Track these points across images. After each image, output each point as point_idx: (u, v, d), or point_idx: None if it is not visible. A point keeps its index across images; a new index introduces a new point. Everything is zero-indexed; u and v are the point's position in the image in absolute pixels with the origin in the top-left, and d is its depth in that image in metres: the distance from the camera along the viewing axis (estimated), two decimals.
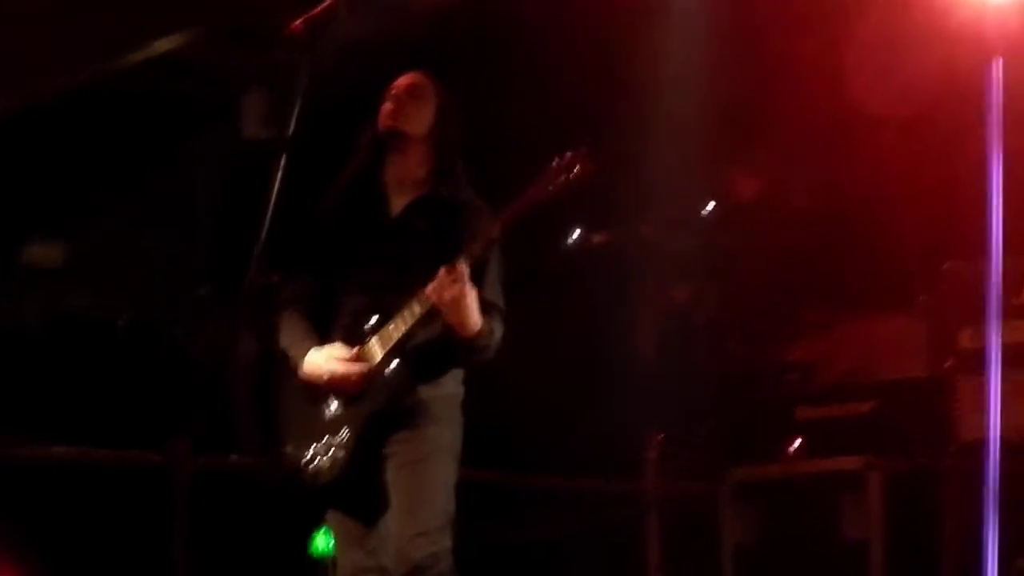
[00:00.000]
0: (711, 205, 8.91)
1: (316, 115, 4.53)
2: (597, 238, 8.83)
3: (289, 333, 5.00)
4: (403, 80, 5.07)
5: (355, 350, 4.83)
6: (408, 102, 5.02)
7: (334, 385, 4.83)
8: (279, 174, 4.37)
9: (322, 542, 5.71)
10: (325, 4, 4.41)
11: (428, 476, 4.82)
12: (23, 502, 7.44)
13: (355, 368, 4.80)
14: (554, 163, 4.69)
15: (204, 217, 8.58)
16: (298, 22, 4.38)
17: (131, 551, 7.57)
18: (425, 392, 4.85)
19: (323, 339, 4.94)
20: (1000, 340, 4.86)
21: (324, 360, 4.85)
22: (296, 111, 4.36)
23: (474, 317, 4.69)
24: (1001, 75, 4.77)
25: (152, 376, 8.07)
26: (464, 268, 4.62)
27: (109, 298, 8.65)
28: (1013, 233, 4.94)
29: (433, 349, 4.82)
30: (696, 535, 8.18)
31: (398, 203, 5.04)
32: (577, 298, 8.95)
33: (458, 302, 4.64)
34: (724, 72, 8.18)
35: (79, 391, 8.08)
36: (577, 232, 8.75)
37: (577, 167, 4.67)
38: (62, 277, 8.71)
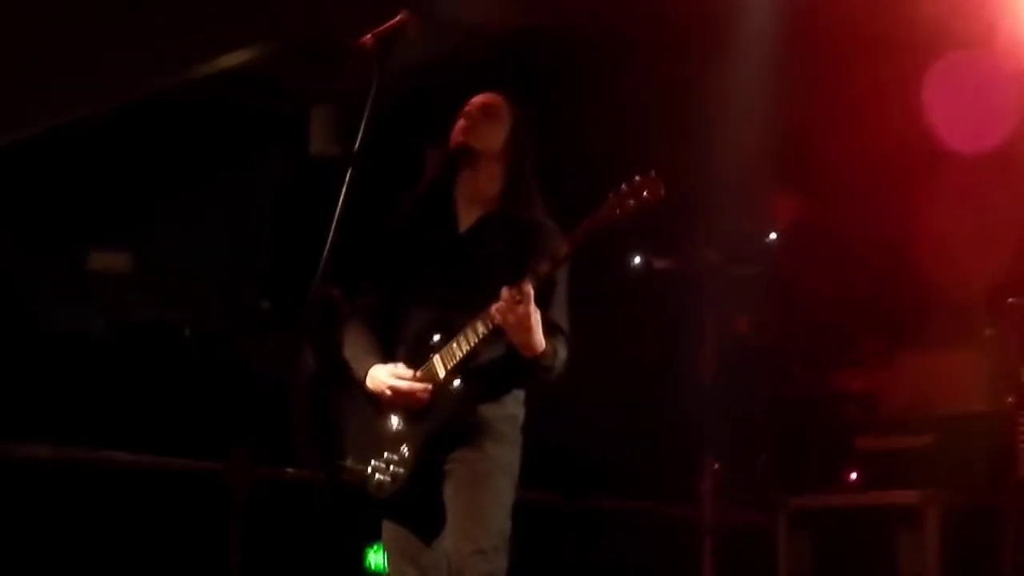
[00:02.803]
0: (774, 234, 8.89)
1: (385, 131, 4.56)
2: (660, 263, 8.82)
3: (352, 346, 5.01)
4: (478, 99, 5.08)
5: (419, 368, 4.84)
6: (481, 120, 5.03)
7: (396, 401, 4.84)
8: (346, 189, 4.39)
9: (374, 559, 5.73)
10: (395, 20, 4.43)
11: (486, 495, 4.81)
12: (84, 507, 7.49)
13: (418, 386, 4.81)
14: (623, 187, 4.69)
15: (269, 230, 8.63)
16: (368, 37, 4.40)
17: (188, 559, 7.61)
18: (486, 411, 4.85)
19: (387, 353, 4.96)
20: None
21: (386, 376, 4.86)
22: (364, 127, 4.38)
23: (538, 338, 4.69)
24: None
25: (214, 386, 8.11)
26: (530, 289, 4.62)
27: (173, 308, 8.71)
28: None
29: (496, 369, 4.81)
30: (751, 563, 8.15)
31: (467, 220, 5.05)
32: (639, 323, 8.95)
33: (523, 323, 4.63)
34: (794, 100, 8.17)
35: (142, 399, 8.13)
36: (640, 257, 8.74)
37: (646, 192, 4.66)
38: (127, 285, 8.78)
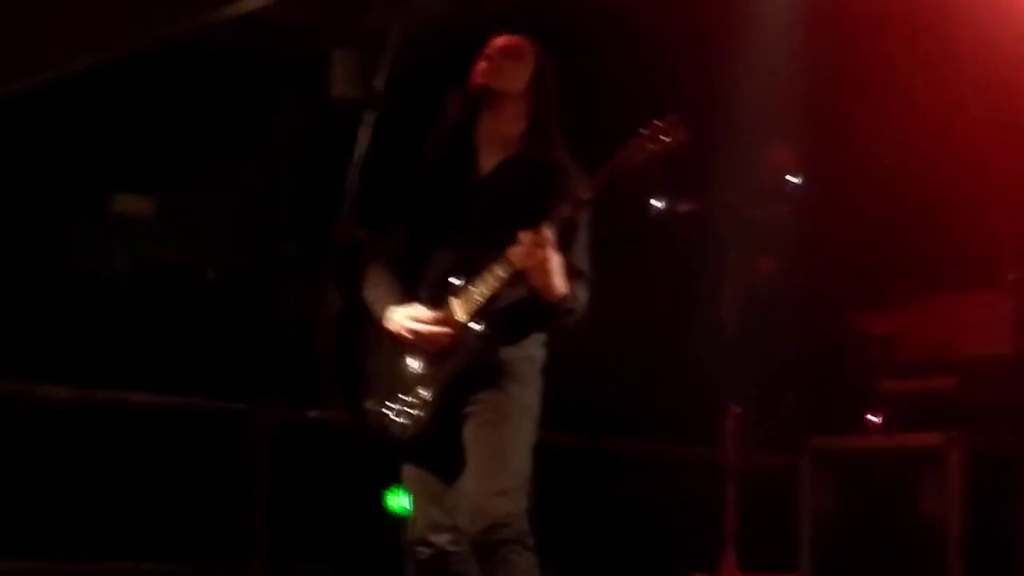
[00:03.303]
0: (799, 177, 8.86)
1: (406, 74, 4.55)
2: (684, 206, 8.80)
3: (374, 287, 5.02)
4: (500, 40, 5.06)
5: (439, 310, 4.85)
6: (503, 62, 5.01)
7: (418, 343, 4.86)
8: (367, 132, 4.40)
9: (394, 501, 5.75)
10: None
11: (509, 435, 4.82)
12: (107, 449, 7.54)
13: (437, 330, 4.82)
14: (644, 131, 4.68)
15: (291, 174, 8.63)
16: None
17: (211, 500, 7.66)
18: (507, 353, 4.85)
19: (409, 294, 4.96)
20: None
21: (407, 318, 4.87)
22: (386, 70, 4.38)
23: (558, 282, 4.69)
24: None
25: (239, 329, 8.15)
26: (548, 233, 4.62)
27: (198, 251, 8.73)
28: None
29: (517, 312, 4.81)
30: (774, 505, 8.18)
31: (489, 161, 5.04)
32: (662, 266, 8.95)
33: (542, 267, 4.64)
34: (821, 42, 8.13)
35: (167, 341, 8.17)
36: (662, 200, 8.72)
37: (667, 135, 4.66)
38: (152, 229, 8.80)
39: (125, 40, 7.51)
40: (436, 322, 4.83)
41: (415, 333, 4.84)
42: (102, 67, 7.51)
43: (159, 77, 8.23)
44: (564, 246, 4.73)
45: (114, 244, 8.61)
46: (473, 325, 4.80)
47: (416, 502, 4.95)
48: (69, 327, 7.84)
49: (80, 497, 7.35)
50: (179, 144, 8.44)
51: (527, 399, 4.90)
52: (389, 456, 5.00)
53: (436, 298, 4.89)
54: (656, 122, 4.69)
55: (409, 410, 4.84)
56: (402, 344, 4.88)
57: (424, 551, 4.91)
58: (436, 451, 4.89)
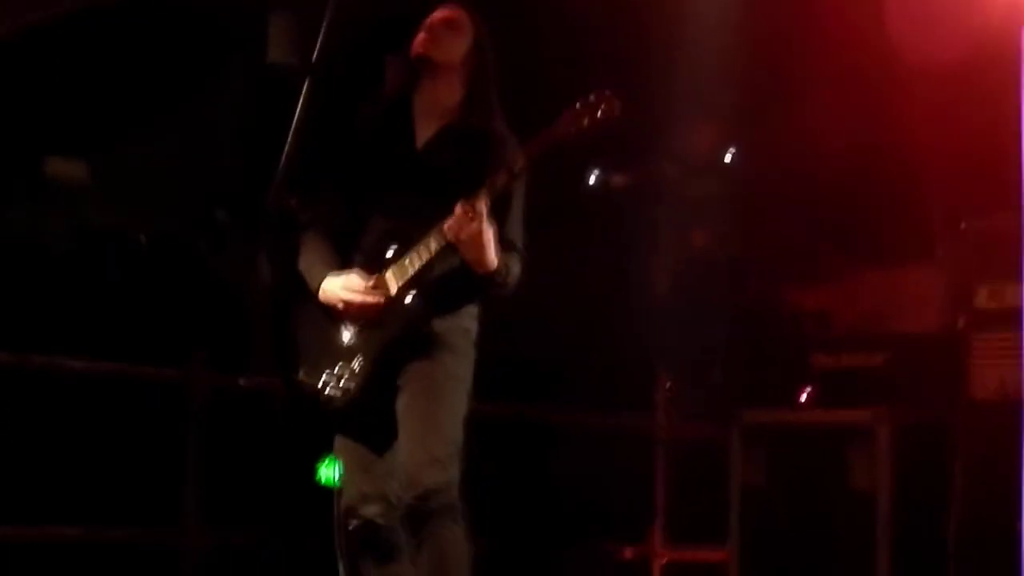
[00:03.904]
0: (732, 149, 8.91)
1: (344, 41, 4.53)
2: (618, 179, 8.83)
3: (308, 255, 5.02)
4: (439, 12, 5.07)
5: (371, 279, 4.85)
6: (443, 32, 5.03)
7: (349, 313, 4.86)
8: (304, 98, 4.38)
9: (325, 472, 5.74)
10: None
11: (441, 405, 4.84)
12: (39, 414, 7.49)
13: (370, 298, 4.82)
14: (579, 103, 4.70)
15: (227, 138, 8.58)
16: None
17: (143, 467, 7.63)
18: (440, 324, 4.87)
19: (343, 264, 4.96)
20: None
21: (340, 288, 4.87)
22: (324, 36, 4.36)
23: (491, 255, 4.70)
24: None
25: (171, 295, 8.10)
26: (482, 205, 4.63)
27: (131, 215, 8.67)
28: None
29: (450, 282, 4.83)
30: (704, 476, 8.22)
31: (426, 131, 5.04)
32: (595, 238, 8.96)
33: (475, 239, 4.65)
34: (755, 15, 8.15)
35: (100, 306, 8.11)
36: (598, 172, 8.75)
37: (602, 107, 4.68)
38: (85, 193, 8.73)
39: (60, 2, 7.46)
40: (369, 292, 4.83)
41: (348, 303, 4.84)
42: (35, 27, 7.44)
43: (93, 38, 8.16)
44: (498, 217, 4.75)
45: (46, 208, 8.54)
46: (405, 296, 4.81)
47: (347, 472, 4.95)
48: (2, 292, 7.78)
49: (12, 462, 7.30)
50: (113, 107, 8.37)
51: (460, 370, 4.92)
52: (321, 426, 4.99)
53: (370, 267, 4.90)
54: (591, 94, 4.70)
55: (341, 380, 4.84)
56: (335, 314, 4.88)
57: (353, 521, 4.91)
58: (368, 422, 4.90)
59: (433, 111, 5.05)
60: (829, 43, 7.97)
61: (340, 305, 4.86)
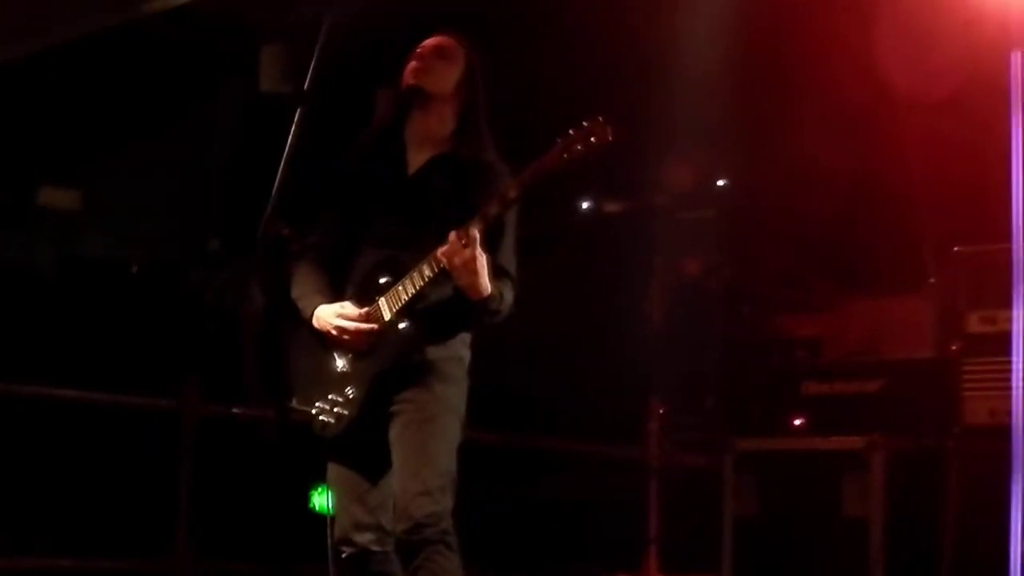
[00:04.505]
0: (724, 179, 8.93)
1: (336, 71, 4.54)
2: (610, 207, 8.84)
3: (301, 284, 5.01)
4: (431, 40, 5.07)
5: (364, 309, 4.85)
6: (434, 61, 5.02)
7: (342, 341, 4.86)
8: (296, 128, 4.39)
9: (319, 500, 5.75)
10: None
11: (433, 435, 4.83)
12: (29, 443, 7.48)
13: (364, 326, 4.82)
14: (571, 131, 4.70)
15: (219, 168, 8.60)
16: None
17: (137, 495, 7.62)
18: (433, 352, 4.86)
19: (335, 292, 4.96)
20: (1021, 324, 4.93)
21: (333, 316, 4.87)
22: (315, 66, 4.37)
23: (484, 282, 4.69)
24: (1022, 67, 4.79)
25: (162, 323, 8.10)
26: (476, 233, 4.63)
27: (123, 244, 8.68)
28: None
29: (443, 310, 4.82)
30: (697, 505, 8.21)
31: (417, 160, 5.04)
32: (588, 266, 8.98)
33: (469, 266, 4.64)
34: (747, 45, 8.18)
35: (91, 335, 8.11)
36: (590, 200, 8.76)
37: (594, 136, 4.67)
38: (77, 221, 8.74)
39: (53, 32, 7.47)
40: (363, 320, 4.83)
41: (342, 331, 4.84)
42: (30, 58, 7.46)
43: (87, 70, 8.19)
44: (491, 246, 4.74)
45: (38, 236, 8.55)
46: (399, 324, 4.81)
47: (339, 501, 4.94)
48: None
49: (3, 493, 7.29)
50: (105, 137, 8.39)
51: (453, 399, 4.91)
52: (314, 454, 4.98)
53: (363, 296, 4.90)
54: (584, 123, 4.70)
55: (335, 408, 4.83)
56: (328, 341, 4.88)
57: (347, 550, 4.91)
58: (361, 450, 4.89)
59: (425, 140, 5.05)
60: (820, 72, 8.00)
61: (333, 333, 4.86)
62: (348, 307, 4.87)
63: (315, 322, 4.91)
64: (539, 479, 8.86)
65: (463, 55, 5.07)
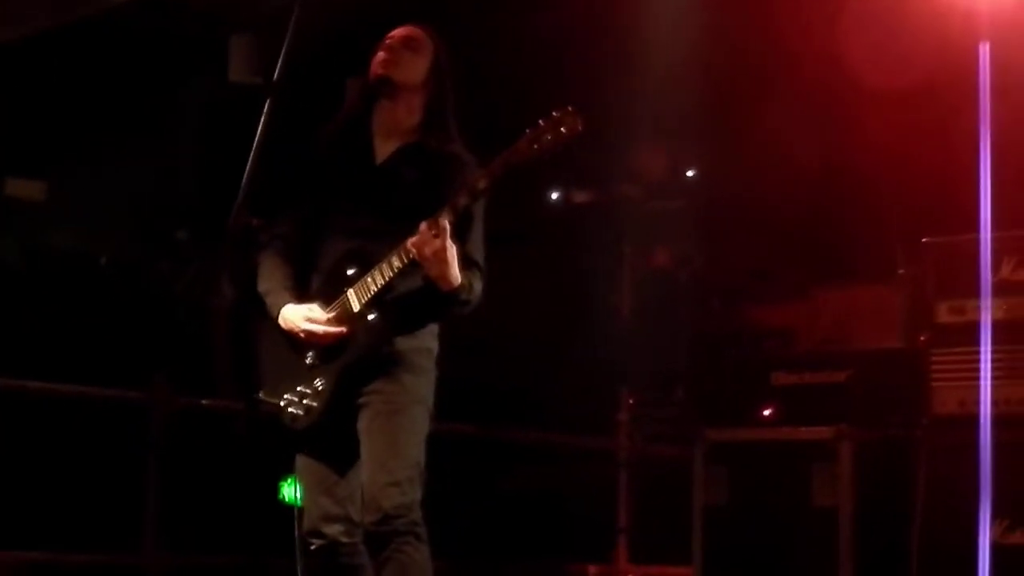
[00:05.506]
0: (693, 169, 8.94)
1: (304, 61, 4.53)
2: (580, 197, 8.84)
3: (268, 279, 5.00)
4: (399, 31, 5.06)
5: (332, 313, 4.83)
6: (402, 52, 5.01)
7: (310, 344, 4.85)
8: (265, 119, 4.37)
9: (288, 491, 5.73)
10: None
11: (402, 426, 4.83)
12: None
13: (332, 330, 4.81)
14: (541, 122, 4.69)
15: (187, 160, 8.57)
16: None
17: (106, 488, 7.59)
18: (401, 344, 4.86)
19: (302, 284, 4.95)
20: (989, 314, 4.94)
21: (301, 320, 4.86)
22: (284, 56, 4.36)
23: (454, 272, 4.69)
24: (990, 58, 4.80)
25: (133, 315, 8.08)
26: (446, 223, 4.62)
27: (91, 236, 8.65)
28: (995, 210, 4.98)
29: (412, 301, 4.82)
30: (667, 496, 8.22)
31: (384, 150, 5.04)
32: (557, 256, 8.98)
33: (439, 256, 4.63)
34: (718, 37, 8.19)
35: (59, 328, 8.08)
36: (559, 191, 8.76)
37: (563, 127, 4.66)
38: (44, 213, 8.70)
39: (22, 23, 7.44)
40: (331, 322, 4.82)
41: (310, 334, 4.83)
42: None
43: (54, 60, 8.15)
44: (460, 236, 4.74)
45: (4, 228, 8.51)
46: (367, 315, 4.80)
47: (308, 492, 4.93)
48: None
49: None
50: (72, 128, 8.35)
51: (422, 390, 4.92)
52: (283, 446, 4.97)
53: (330, 287, 4.89)
54: (554, 113, 4.69)
55: (303, 400, 4.83)
56: (297, 341, 4.87)
57: (316, 541, 4.90)
58: (329, 441, 4.89)
59: (392, 131, 5.04)
60: (789, 63, 8.01)
61: (302, 336, 4.85)
62: (316, 310, 4.86)
63: (282, 322, 4.90)
64: (509, 470, 8.86)
65: (431, 46, 5.07)
